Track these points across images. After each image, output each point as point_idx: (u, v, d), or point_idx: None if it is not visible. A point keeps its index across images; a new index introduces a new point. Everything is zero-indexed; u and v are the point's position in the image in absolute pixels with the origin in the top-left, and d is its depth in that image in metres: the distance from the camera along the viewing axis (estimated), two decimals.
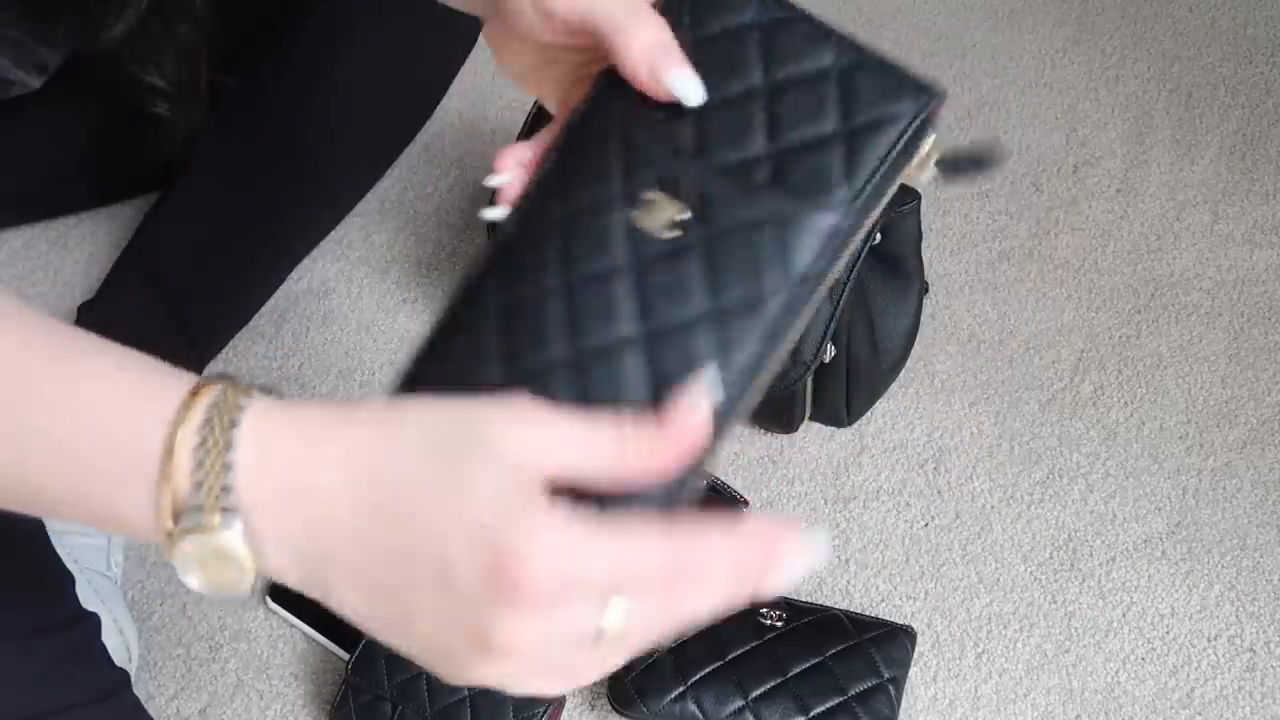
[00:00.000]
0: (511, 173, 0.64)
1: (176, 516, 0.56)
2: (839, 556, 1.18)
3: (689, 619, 0.56)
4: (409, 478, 0.54)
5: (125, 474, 0.57)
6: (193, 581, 0.57)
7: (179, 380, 0.58)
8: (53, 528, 1.05)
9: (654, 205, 0.61)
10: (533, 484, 0.54)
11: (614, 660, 0.57)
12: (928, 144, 0.63)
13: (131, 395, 0.58)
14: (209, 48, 1.13)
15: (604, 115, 0.64)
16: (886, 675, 1.07)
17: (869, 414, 1.26)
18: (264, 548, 0.56)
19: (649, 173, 0.62)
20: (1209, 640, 1.13)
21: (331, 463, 0.55)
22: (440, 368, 0.61)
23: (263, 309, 1.33)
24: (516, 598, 0.53)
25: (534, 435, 0.55)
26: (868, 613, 1.13)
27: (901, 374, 1.28)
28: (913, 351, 1.28)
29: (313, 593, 0.57)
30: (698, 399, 0.57)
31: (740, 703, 1.06)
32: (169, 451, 0.56)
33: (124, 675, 0.96)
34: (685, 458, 0.56)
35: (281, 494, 0.55)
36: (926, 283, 1.27)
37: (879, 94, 0.62)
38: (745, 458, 1.24)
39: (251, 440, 0.55)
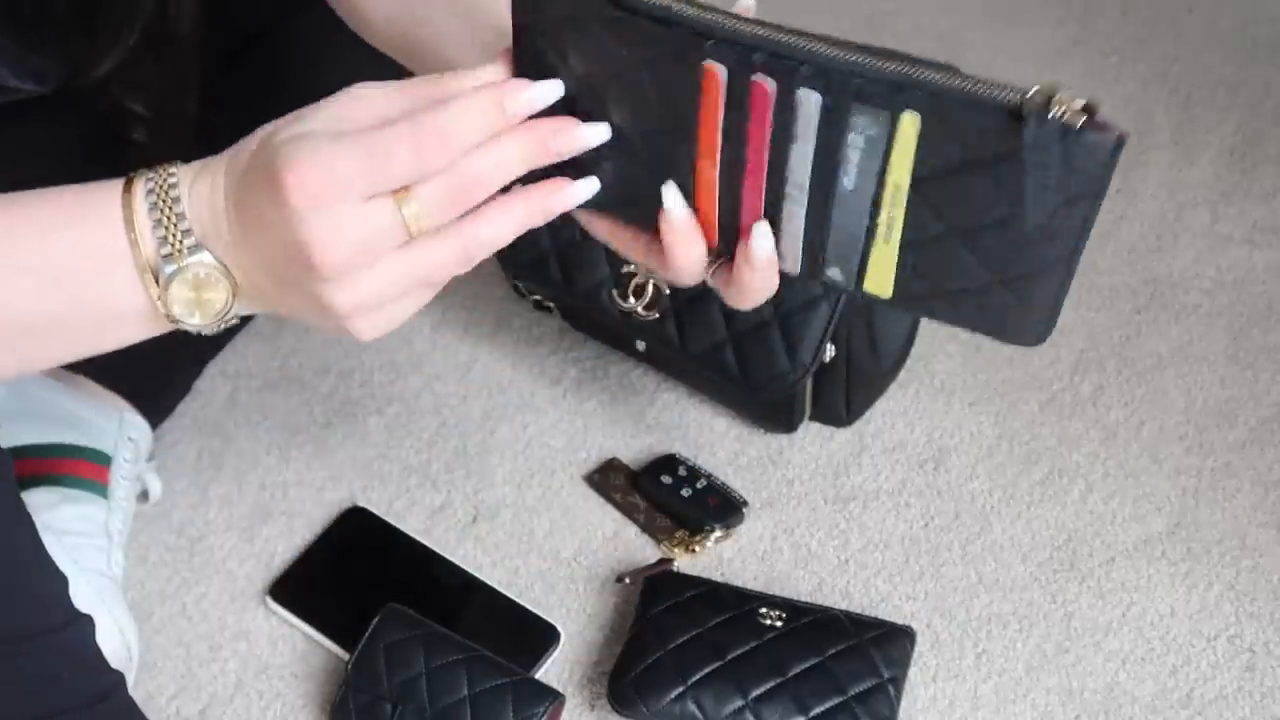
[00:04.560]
0: None
1: (158, 277, 0.71)
2: (839, 557, 1.18)
3: (487, 179, 0.68)
4: (246, 161, 0.71)
5: (104, 266, 0.72)
6: (195, 320, 0.73)
7: (108, 186, 0.73)
8: (53, 528, 1.05)
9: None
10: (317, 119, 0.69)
11: (453, 253, 0.69)
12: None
13: (82, 209, 0.73)
14: (196, 76, 1.13)
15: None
16: (886, 675, 1.07)
17: (869, 414, 1.26)
18: (227, 260, 0.71)
19: None
20: (1209, 640, 1.13)
21: (220, 191, 0.72)
22: None
23: None
24: (294, 201, 0.66)
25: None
26: (868, 613, 1.13)
27: (901, 374, 1.28)
28: (912, 351, 1.28)
29: (261, 300, 0.73)
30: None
31: (740, 703, 1.06)
32: (130, 227, 0.71)
33: (119, 678, 0.96)
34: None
35: (215, 215, 0.71)
36: None
37: None
38: (745, 458, 1.24)
39: (188, 192, 0.72)
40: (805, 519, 1.21)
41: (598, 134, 0.70)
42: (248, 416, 1.29)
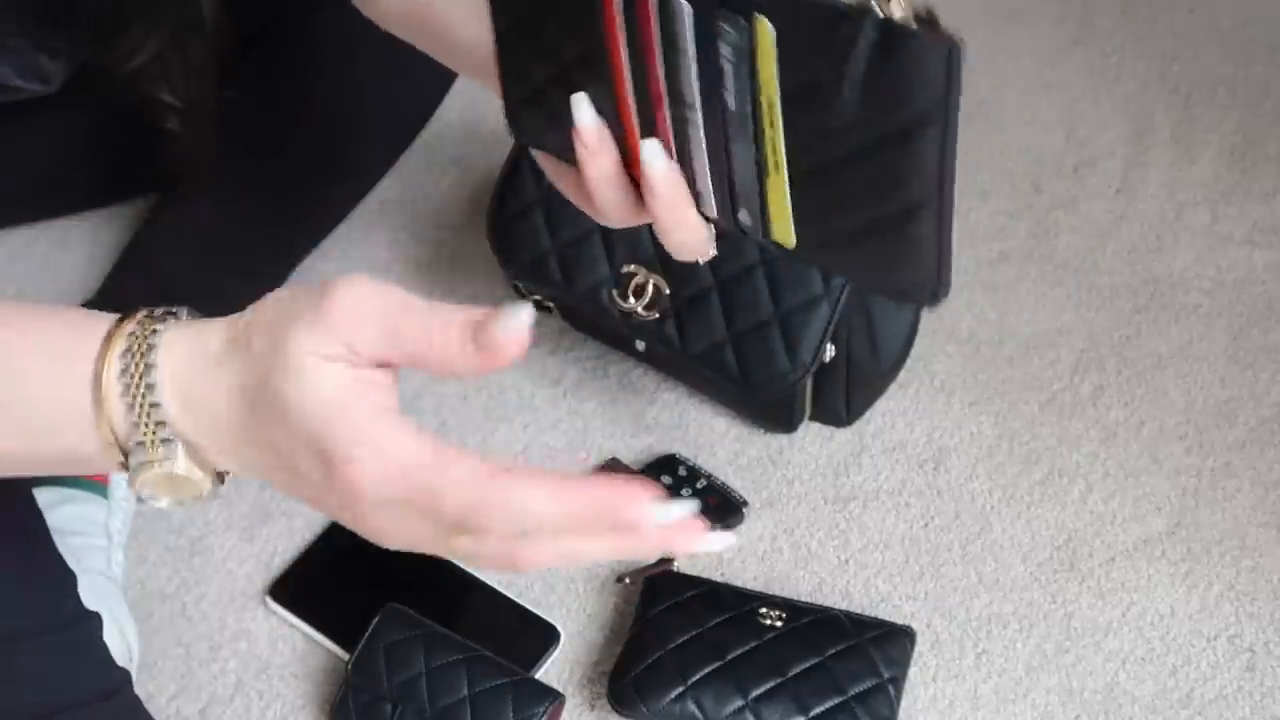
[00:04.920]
0: None
1: (125, 454, 0.62)
2: (839, 557, 1.18)
3: (545, 562, 0.60)
4: (269, 400, 0.59)
5: (73, 430, 0.63)
6: (163, 504, 0.64)
7: (91, 335, 0.63)
8: (54, 528, 1.06)
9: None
10: (366, 382, 0.59)
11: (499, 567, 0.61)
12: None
13: (54, 358, 0.63)
14: (218, 62, 1.14)
15: None
16: (886, 675, 1.07)
17: (868, 414, 1.26)
18: (206, 456, 0.62)
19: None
20: (1209, 640, 1.13)
21: (223, 391, 0.61)
22: None
23: None
24: (356, 496, 0.59)
25: (359, 325, 0.62)
26: (868, 613, 1.13)
27: (901, 374, 1.28)
28: (912, 351, 1.28)
29: (253, 475, 0.64)
30: (515, 321, 0.60)
31: (740, 703, 1.06)
32: (99, 403, 0.61)
33: (125, 675, 0.96)
34: (498, 365, 0.60)
35: (199, 417, 0.61)
36: None
37: None
38: (745, 458, 1.24)
39: (168, 377, 0.61)
40: (805, 519, 1.21)
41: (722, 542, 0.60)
42: None
